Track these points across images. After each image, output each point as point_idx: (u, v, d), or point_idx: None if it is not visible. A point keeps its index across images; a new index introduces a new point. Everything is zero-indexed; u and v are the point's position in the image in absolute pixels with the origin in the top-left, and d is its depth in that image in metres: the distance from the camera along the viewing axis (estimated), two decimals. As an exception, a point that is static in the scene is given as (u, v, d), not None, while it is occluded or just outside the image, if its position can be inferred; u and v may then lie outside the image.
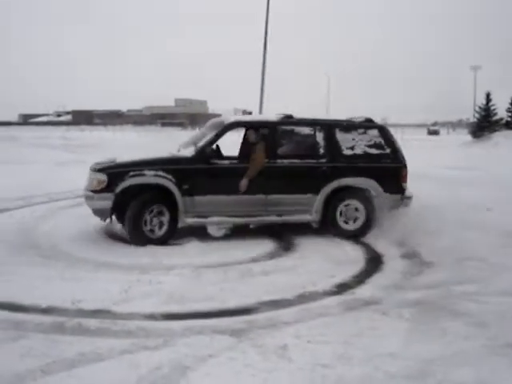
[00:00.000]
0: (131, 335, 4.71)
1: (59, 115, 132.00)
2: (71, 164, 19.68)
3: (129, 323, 4.96)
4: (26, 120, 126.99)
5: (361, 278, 6.49)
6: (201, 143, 8.34)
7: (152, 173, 7.89)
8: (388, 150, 8.88)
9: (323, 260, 7.19)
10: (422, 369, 4.13)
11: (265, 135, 8.63)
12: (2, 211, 10.39)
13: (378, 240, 8.29)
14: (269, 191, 8.32)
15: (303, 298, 5.74)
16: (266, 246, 7.99)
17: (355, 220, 8.64)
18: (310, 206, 8.49)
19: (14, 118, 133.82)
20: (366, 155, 8.79)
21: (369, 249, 7.96)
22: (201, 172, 8.16)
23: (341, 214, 8.61)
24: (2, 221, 9.44)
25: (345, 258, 7.39)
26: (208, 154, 8.20)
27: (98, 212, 8.08)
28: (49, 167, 18.80)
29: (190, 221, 8.12)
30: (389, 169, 8.88)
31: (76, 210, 10.33)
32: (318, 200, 8.47)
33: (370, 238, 8.43)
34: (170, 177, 7.90)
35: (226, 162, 8.40)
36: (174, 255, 7.40)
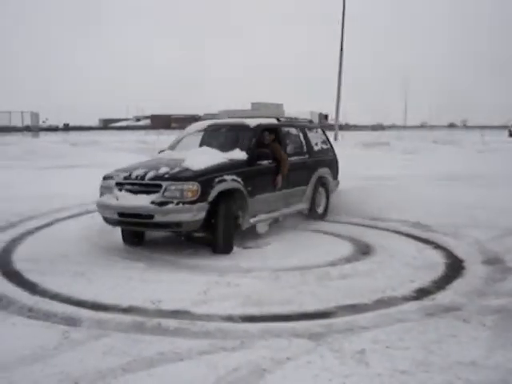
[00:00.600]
0: (209, 336, 4.79)
1: (138, 120, 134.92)
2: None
3: (207, 324, 5.04)
4: (107, 125, 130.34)
5: (441, 284, 6.35)
6: (248, 146, 8.73)
7: (230, 178, 7.88)
8: (329, 145, 11.37)
9: (402, 264, 7.08)
10: (504, 379, 4.01)
11: (275, 136, 9.54)
12: (86, 213, 10.78)
13: (457, 244, 8.09)
14: (286, 186, 9.29)
15: (382, 303, 5.67)
16: (344, 249, 7.95)
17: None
18: (303, 196, 10.05)
19: (95, 122, 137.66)
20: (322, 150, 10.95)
21: (448, 253, 7.74)
22: (255, 173, 8.55)
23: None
24: (86, 222, 9.78)
25: (424, 262, 7.24)
26: (255, 156, 8.65)
27: (191, 224, 7.49)
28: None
29: (252, 221, 8.40)
30: (334, 160, 11.36)
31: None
32: (308, 190, 10.16)
33: (448, 242, 8.20)
34: (239, 180, 8.03)
35: (265, 162, 8.83)
36: (253, 258, 7.49)
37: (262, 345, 4.59)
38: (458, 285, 6.33)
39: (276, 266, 6.98)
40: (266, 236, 8.57)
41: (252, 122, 9.26)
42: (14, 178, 17.98)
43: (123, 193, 7.72)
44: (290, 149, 9.82)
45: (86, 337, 4.82)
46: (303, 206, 10.10)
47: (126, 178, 7.88)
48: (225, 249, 7.78)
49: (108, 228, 8.69)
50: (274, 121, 9.85)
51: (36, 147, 32.61)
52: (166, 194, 7.41)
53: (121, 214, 7.67)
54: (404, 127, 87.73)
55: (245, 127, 9.22)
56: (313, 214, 10.33)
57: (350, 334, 4.82)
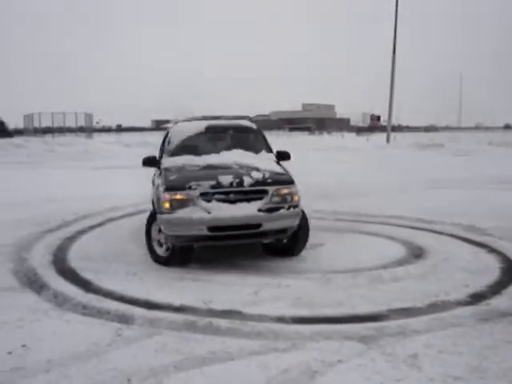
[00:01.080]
0: (260, 337, 4.83)
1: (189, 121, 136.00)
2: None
3: (258, 325, 5.08)
4: (158, 126, 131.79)
5: (496, 289, 6.23)
6: (269, 147, 8.73)
7: None
8: None
9: (456, 268, 6.97)
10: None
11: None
12: (138, 213, 10.96)
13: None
14: None
15: (435, 307, 5.59)
16: (396, 251, 7.87)
17: None
18: None
19: (147, 123, 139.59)
20: None
21: (503, 257, 7.59)
22: None
23: None
24: (138, 222, 9.89)
25: (479, 266, 7.11)
26: (280, 157, 8.64)
27: (292, 230, 7.38)
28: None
29: None
30: None
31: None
32: None
33: (503, 246, 8.08)
34: None
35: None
36: (305, 260, 7.50)
37: (313, 346, 4.60)
38: (514, 290, 6.20)
39: (328, 268, 6.97)
40: (319, 237, 8.52)
41: (249, 124, 9.24)
42: (70, 178, 18.45)
43: (215, 204, 6.97)
44: None
45: (138, 334, 4.93)
46: None
47: (214, 187, 7.05)
48: (301, 251, 7.77)
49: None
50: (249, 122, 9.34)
51: (90, 148, 33.34)
52: (274, 199, 7.13)
53: (214, 229, 6.97)
54: (458, 128, 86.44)
55: (248, 129, 9.09)
56: None
57: (402, 338, 4.79)
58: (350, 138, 63.51)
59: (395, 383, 3.96)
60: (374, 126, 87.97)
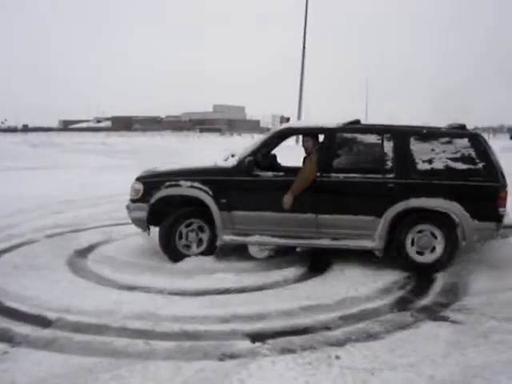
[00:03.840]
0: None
1: (99, 121, 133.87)
2: (113, 169, 20.46)
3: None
4: (66, 126, 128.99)
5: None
6: (250, 151, 7.75)
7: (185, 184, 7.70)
8: (481, 165, 7.28)
9: None
10: None
11: (320, 144, 7.86)
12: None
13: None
14: (321, 210, 7.44)
15: None
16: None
17: (432, 250, 7.37)
18: (371, 231, 7.34)
19: (55, 123, 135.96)
20: (447, 170, 7.33)
21: None
22: (240, 184, 7.67)
23: (412, 242, 7.39)
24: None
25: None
26: (250, 164, 7.55)
27: None
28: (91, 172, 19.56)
29: (229, 239, 7.63)
30: (480, 188, 7.32)
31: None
32: (382, 224, 7.29)
33: None
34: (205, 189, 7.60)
35: (270, 174, 7.68)
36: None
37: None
38: None
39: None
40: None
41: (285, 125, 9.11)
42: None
43: None
44: (346, 162, 7.61)
45: None
46: (369, 243, 7.40)
47: None
48: None
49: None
50: (331, 124, 7.78)
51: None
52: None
53: None
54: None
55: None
56: (404, 260, 7.44)
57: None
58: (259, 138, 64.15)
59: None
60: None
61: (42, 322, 5.49)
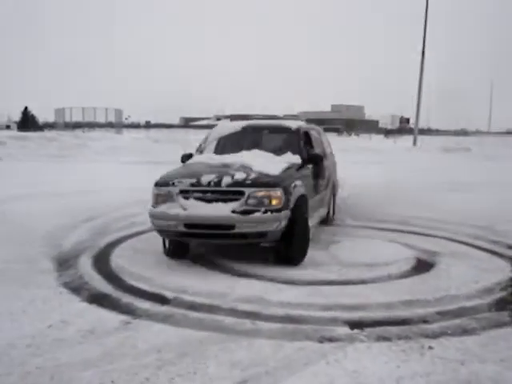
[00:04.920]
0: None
1: (218, 119, 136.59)
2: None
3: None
4: (187, 123, 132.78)
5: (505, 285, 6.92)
6: (299, 149, 8.72)
7: (299, 183, 7.93)
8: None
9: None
10: None
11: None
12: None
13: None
14: (320, 190, 9.42)
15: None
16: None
17: None
18: (324, 201, 10.11)
19: (176, 121, 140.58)
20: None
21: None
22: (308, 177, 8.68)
23: None
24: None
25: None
26: (307, 159, 8.73)
27: (276, 234, 7.35)
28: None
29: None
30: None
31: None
32: (328, 194, 10.35)
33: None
34: (303, 185, 8.21)
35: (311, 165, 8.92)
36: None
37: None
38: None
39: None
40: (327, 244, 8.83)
41: (292, 124, 9.26)
42: (102, 171, 19.25)
43: (192, 201, 7.21)
44: (317, 152, 9.58)
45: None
46: (325, 210, 10.13)
47: (194, 185, 7.32)
48: (299, 259, 7.62)
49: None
50: (300, 123, 9.64)
51: (120, 143, 34.12)
52: (250, 201, 7.09)
53: (190, 226, 7.21)
54: (488, 133, 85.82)
55: (286, 129, 9.15)
56: (327, 219, 10.43)
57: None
58: (377, 139, 63.87)
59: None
60: (403, 128, 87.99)
61: (160, 299, 6.25)
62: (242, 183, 7.16)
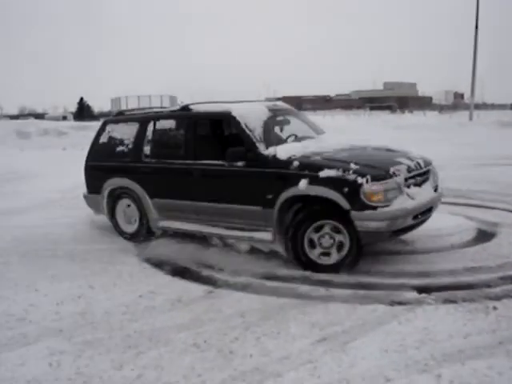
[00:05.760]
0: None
1: (270, 101, 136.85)
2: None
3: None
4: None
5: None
6: None
7: None
8: None
9: None
10: None
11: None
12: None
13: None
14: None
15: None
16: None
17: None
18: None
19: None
20: None
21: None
22: None
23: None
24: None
25: None
26: None
27: None
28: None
29: None
30: None
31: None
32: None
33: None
34: None
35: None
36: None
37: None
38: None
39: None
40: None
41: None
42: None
43: (414, 189, 6.61)
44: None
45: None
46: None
47: (410, 170, 6.67)
48: None
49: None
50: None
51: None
52: (434, 178, 7.34)
53: (416, 216, 6.55)
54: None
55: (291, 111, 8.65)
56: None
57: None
58: (432, 116, 63.22)
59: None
60: (457, 103, 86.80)
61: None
62: (426, 162, 7.23)
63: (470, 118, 44.82)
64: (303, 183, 6.40)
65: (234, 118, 7.32)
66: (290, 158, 6.74)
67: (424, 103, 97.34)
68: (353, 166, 6.34)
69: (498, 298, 5.61)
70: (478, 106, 60.57)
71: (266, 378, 4.23)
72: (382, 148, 7.68)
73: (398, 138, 20.90)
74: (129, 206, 8.54)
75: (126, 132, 8.51)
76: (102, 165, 8.73)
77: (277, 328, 5.08)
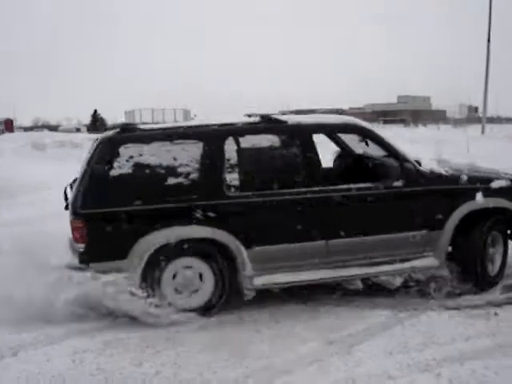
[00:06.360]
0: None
1: (283, 114, 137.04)
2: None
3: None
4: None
5: None
6: None
7: None
8: None
9: None
10: None
11: None
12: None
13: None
14: None
15: None
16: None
17: None
18: None
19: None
20: None
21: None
22: None
23: None
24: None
25: None
26: None
27: None
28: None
29: None
30: None
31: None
32: None
33: None
34: None
35: None
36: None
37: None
38: None
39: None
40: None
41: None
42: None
43: None
44: None
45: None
46: None
47: None
48: None
49: None
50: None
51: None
52: None
53: None
54: None
55: None
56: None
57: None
58: (445, 129, 63.15)
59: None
60: (471, 117, 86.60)
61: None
62: None
63: (483, 132, 44.93)
64: (480, 196, 6.26)
65: (365, 128, 6.50)
66: (453, 173, 6.46)
67: (438, 117, 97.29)
68: (504, 175, 6.73)
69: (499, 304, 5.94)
70: (491, 120, 60.57)
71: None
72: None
73: (413, 151, 21.06)
74: (188, 268, 5.80)
75: (171, 156, 5.82)
76: (134, 210, 5.66)
77: (286, 331, 5.43)
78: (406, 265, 6.16)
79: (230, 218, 5.74)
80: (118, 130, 6.02)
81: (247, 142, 6.02)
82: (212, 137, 5.93)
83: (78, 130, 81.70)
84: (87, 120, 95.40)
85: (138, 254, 5.57)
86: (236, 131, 6.04)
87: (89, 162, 5.71)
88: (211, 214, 5.66)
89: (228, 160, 5.86)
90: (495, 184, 6.37)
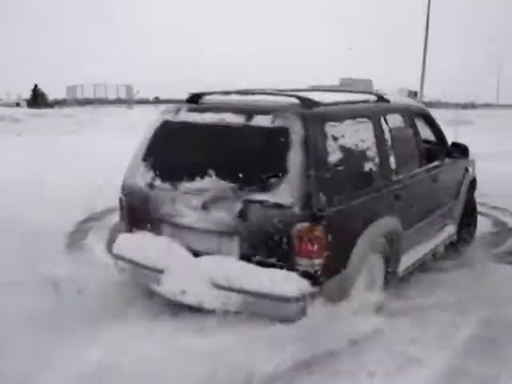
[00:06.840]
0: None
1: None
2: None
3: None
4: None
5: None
6: None
7: None
8: None
9: None
10: None
11: None
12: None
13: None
14: None
15: None
16: None
17: None
18: None
19: (184, 95, 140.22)
20: None
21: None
22: None
23: None
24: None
25: None
26: None
27: None
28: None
29: None
30: None
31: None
32: None
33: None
34: None
35: None
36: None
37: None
38: None
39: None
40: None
41: None
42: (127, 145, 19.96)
43: None
44: None
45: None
46: None
47: None
48: None
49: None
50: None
51: (134, 118, 34.77)
52: None
53: None
54: (497, 106, 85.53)
55: None
56: None
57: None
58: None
59: None
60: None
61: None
62: None
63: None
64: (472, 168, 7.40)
65: (431, 115, 6.86)
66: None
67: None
68: None
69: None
70: (432, 105, 61.96)
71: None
72: None
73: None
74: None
75: (359, 137, 4.96)
76: (358, 202, 4.67)
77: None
78: (446, 232, 6.69)
79: (397, 204, 5.24)
80: (298, 103, 4.67)
81: (391, 122, 5.50)
82: (373, 115, 5.26)
83: (17, 104, 79.82)
84: (28, 95, 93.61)
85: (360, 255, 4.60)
86: (385, 111, 5.55)
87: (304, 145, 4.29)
88: (388, 202, 5.14)
89: (386, 142, 5.30)
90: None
